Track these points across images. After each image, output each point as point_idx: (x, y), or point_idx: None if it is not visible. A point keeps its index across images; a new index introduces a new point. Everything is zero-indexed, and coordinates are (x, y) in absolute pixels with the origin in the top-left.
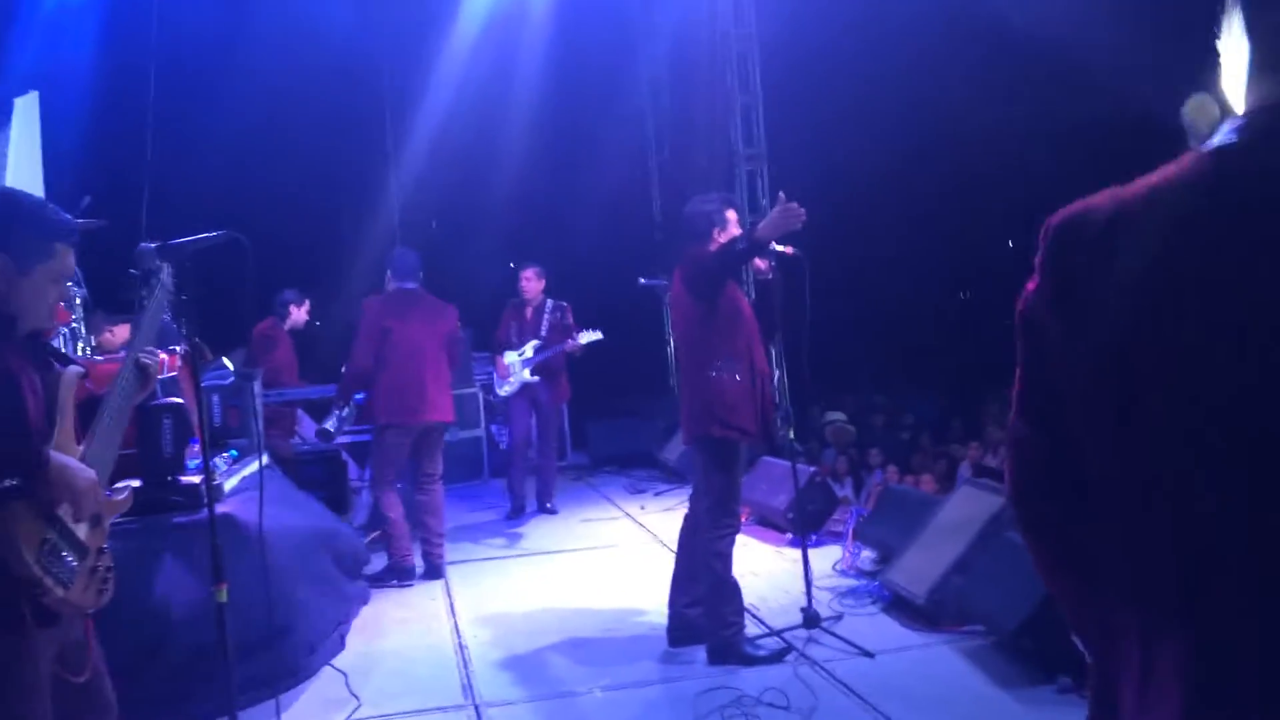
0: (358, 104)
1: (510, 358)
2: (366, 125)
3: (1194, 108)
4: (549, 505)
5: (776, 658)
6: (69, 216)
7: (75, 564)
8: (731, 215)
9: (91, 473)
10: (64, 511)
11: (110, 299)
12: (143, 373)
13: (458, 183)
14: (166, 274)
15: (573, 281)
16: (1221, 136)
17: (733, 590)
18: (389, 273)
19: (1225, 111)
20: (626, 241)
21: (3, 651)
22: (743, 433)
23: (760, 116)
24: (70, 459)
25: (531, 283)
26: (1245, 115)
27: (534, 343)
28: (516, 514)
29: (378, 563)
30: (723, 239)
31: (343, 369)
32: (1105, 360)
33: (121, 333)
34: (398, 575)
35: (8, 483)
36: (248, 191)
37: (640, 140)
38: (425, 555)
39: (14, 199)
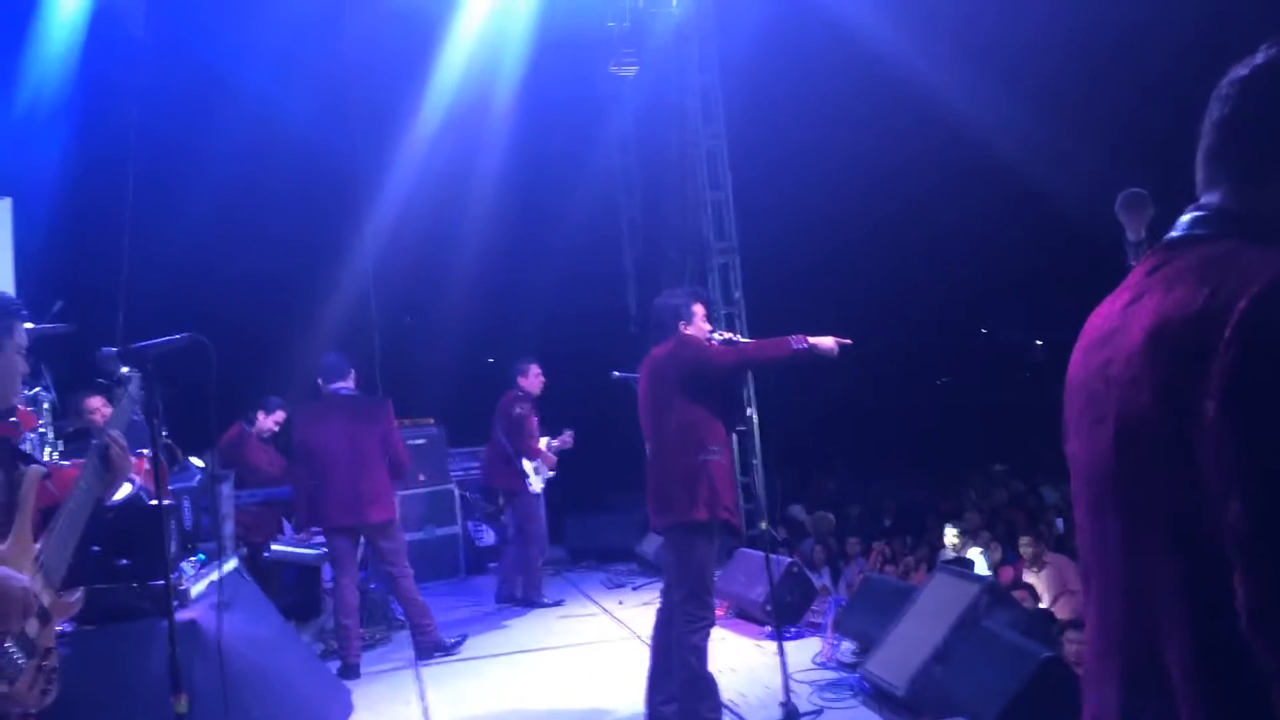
0: (330, 204)
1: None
2: (340, 225)
3: (1126, 202)
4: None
5: None
6: (6, 293)
7: (23, 661)
8: (698, 309)
9: (23, 580)
10: None
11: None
12: (106, 464)
13: (433, 279)
14: (135, 379)
15: (547, 374)
16: (1176, 230)
17: (709, 686)
18: (319, 380)
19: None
20: (601, 335)
21: None
22: (731, 513)
23: (731, 211)
24: (1, 568)
25: (541, 378)
26: (1191, 213)
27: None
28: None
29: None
30: (688, 331)
31: None
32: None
33: (96, 403)
34: (342, 673)
35: None
36: (221, 291)
37: (614, 236)
38: (414, 643)
39: None
